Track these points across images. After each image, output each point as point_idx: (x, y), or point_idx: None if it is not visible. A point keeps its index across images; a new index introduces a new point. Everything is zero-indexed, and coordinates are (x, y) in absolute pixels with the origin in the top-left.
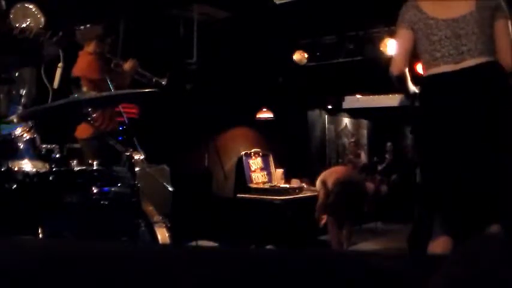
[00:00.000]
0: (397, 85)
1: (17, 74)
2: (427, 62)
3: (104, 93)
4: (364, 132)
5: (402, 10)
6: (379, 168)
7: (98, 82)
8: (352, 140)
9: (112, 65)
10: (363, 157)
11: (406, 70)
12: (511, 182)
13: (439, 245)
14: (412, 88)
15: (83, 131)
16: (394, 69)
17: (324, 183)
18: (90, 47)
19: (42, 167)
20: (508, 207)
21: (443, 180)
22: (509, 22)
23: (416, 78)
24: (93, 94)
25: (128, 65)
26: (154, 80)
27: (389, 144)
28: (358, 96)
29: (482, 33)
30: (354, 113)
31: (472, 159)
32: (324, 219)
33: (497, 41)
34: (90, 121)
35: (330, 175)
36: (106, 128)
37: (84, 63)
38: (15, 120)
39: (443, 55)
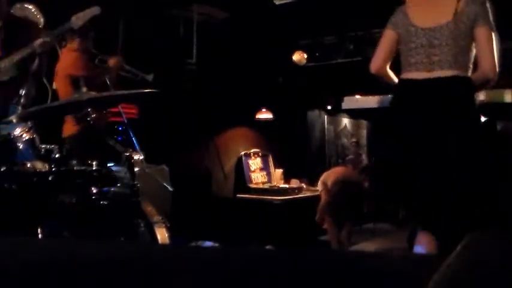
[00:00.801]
0: (381, 83)
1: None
2: (403, 67)
3: (104, 94)
4: (364, 132)
5: (394, 13)
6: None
7: (82, 79)
8: (354, 140)
9: (96, 61)
10: (364, 157)
11: (387, 69)
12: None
13: (421, 241)
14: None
15: (69, 129)
16: (372, 67)
17: (324, 184)
18: (74, 44)
19: (41, 167)
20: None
21: (396, 181)
22: (491, 30)
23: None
24: (93, 94)
25: (112, 61)
26: (140, 76)
27: None
28: (357, 96)
29: (455, 45)
30: (353, 113)
31: (427, 165)
32: (326, 221)
33: (477, 48)
34: (74, 118)
35: (329, 176)
36: (94, 124)
37: (68, 61)
38: (14, 120)
39: (417, 62)
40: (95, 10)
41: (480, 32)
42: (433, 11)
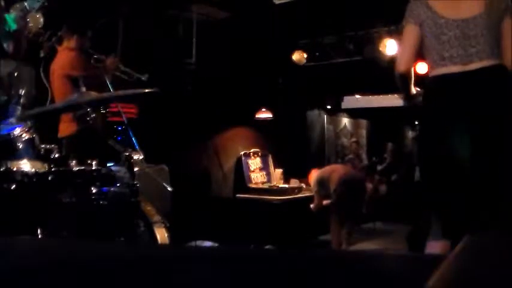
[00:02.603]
0: (400, 84)
1: (16, 74)
2: (434, 61)
3: (105, 94)
4: (363, 132)
5: (410, 6)
6: (379, 168)
7: (81, 79)
8: (354, 140)
9: (92, 61)
10: (364, 157)
11: (412, 69)
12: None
13: (436, 248)
14: (413, 90)
15: (66, 128)
16: (401, 67)
17: (321, 183)
18: (71, 43)
19: (41, 167)
20: (506, 210)
21: (445, 182)
22: None
23: (417, 78)
24: (93, 94)
25: (109, 61)
26: (135, 76)
27: (390, 144)
28: (357, 96)
29: (491, 35)
30: (353, 113)
31: (474, 162)
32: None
33: (503, 40)
34: (73, 118)
35: (329, 174)
36: (91, 124)
37: (65, 60)
38: (14, 121)
39: (452, 55)
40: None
41: (507, 24)
42: (462, 2)
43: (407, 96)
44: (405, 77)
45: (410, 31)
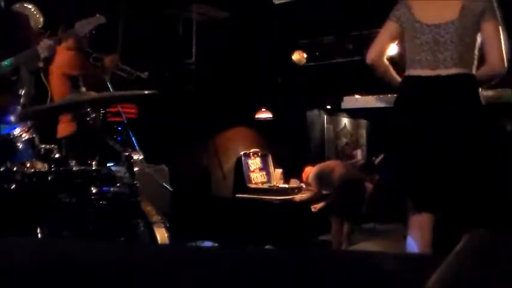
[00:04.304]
0: (376, 74)
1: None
2: (407, 63)
3: (105, 94)
4: (363, 132)
5: (396, 5)
6: (375, 160)
7: (81, 78)
8: (346, 140)
9: (91, 60)
10: (359, 156)
11: (384, 61)
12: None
13: (417, 222)
14: (396, 78)
15: (64, 129)
16: (368, 57)
17: (321, 178)
18: (69, 42)
19: (41, 167)
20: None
21: (405, 177)
22: (498, 25)
23: None
24: (92, 94)
25: (108, 60)
26: (135, 74)
27: None
28: (357, 96)
29: (461, 43)
30: (353, 113)
31: (432, 161)
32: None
33: (484, 43)
34: (72, 118)
35: (330, 171)
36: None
37: (64, 59)
38: (14, 120)
39: (421, 59)
40: (100, 19)
41: (487, 26)
42: (438, 6)
43: (388, 83)
44: (373, 68)
45: (388, 27)
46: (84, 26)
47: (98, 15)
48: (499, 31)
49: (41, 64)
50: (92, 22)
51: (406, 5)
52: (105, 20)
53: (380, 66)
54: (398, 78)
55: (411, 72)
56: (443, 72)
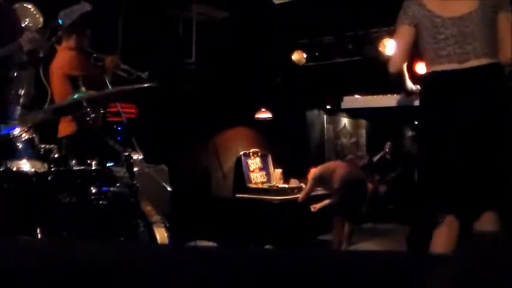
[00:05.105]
0: (395, 82)
1: (15, 74)
2: (431, 60)
3: (104, 92)
4: (363, 132)
5: (404, 6)
6: (375, 159)
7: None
8: (354, 140)
9: (92, 60)
10: (364, 158)
11: (404, 67)
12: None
13: (444, 230)
14: (410, 86)
15: (65, 128)
16: (393, 67)
17: (320, 179)
18: (70, 42)
19: (40, 167)
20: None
21: (441, 175)
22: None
23: (416, 78)
24: (92, 93)
25: (108, 60)
26: (135, 74)
27: (388, 143)
28: (357, 96)
29: (487, 32)
30: (352, 113)
31: (469, 157)
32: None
33: (498, 35)
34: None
35: (331, 172)
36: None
37: (65, 60)
38: (15, 121)
39: (449, 54)
40: (84, 7)
41: (501, 19)
42: (456, 0)
43: (405, 92)
44: (398, 76)
45: (404, 31)
46: (68, 15)
47: (82, 2)
48: (510, 23)
49: (24, 57)
50: (76, 10)
51: (417, 3)
52: (90, 7)
53: (403, 74)
54: (411, 84)
55: (438, 67)
56: (474, 63)
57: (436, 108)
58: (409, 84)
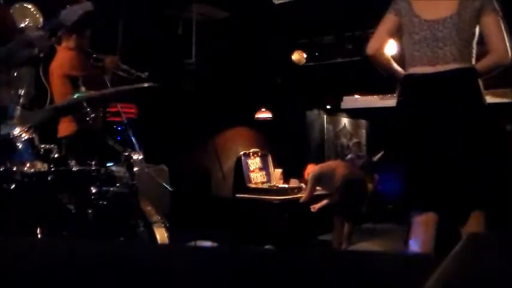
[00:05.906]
0: (376, 67)
1: (15, 74)
2: (407, 60)
3: (104, 92)
4: (363, 132)
5: (394, 1)
6: (374, 158)
7: (81, 79)
8: (356, 140)
9: (92, 60)
10: (365, 158)
11: (384, 53)
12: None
13: (422, 219)
14: (399, 71)
15: (65, 128)
16: (368, 49)
17: (320, 179)
18: (70, 42)
19: (40, 167)
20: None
21: (413, 175)
22: (499, 17)
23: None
24: (92, 93)
25: (108, 60)
26: (135, 74)
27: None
28: (356, 96)
29: (460, 38)
30: (352, 113)
31: (439, 158)
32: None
33: (488, 36)
34: (73, 118)
35: (331, 172)
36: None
37: (65, 60)
38: (15, 122)
39: (421, 56)
40: (86, 6)
41: (489, 19)
42: (437, 2)
43: (391, 76)
44: (373, 59)
45: (387, 20)
46: (70, 14)
47: (85, 1)
48: (500, 23)
49: (34, 52)
50: (78, 9)
51: (406, 1)
52: (92, 7)
53: (381, 58)
54: (401, 70)
55: (411, 70)
56: (443, 67)
57: (408, 110)
58: (395, 69)
